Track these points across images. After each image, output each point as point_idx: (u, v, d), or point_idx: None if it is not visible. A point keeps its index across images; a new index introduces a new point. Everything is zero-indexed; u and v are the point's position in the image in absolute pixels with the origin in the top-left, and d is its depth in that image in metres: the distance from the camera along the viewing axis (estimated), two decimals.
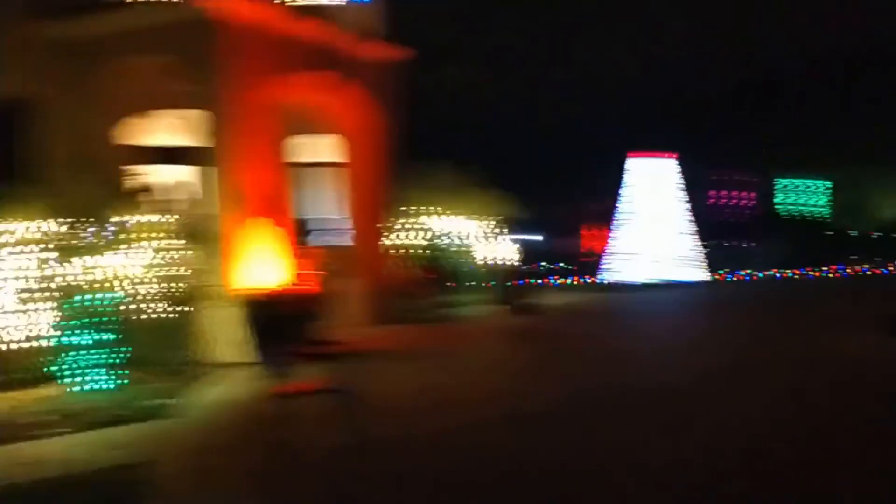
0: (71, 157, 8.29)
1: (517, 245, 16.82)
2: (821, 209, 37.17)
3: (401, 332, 11.87)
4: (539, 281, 22.49)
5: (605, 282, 21.67)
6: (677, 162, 24.16)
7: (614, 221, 24.03)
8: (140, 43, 10.05)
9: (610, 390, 7.49)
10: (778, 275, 23.19)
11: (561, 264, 26.96)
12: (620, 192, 23.96)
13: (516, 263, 16.54)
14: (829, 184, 37.43)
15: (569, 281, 23.07)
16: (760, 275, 23.16)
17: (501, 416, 6.73)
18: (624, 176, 24.07)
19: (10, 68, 9.84)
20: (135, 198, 10.96)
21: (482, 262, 15.76)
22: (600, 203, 32.61)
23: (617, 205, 24.20)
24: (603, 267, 23.15)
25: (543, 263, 25.99)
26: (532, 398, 7.30)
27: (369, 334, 11.61)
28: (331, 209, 15.63)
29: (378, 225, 12.87)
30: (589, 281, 22.59)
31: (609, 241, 25.13)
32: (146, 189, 11.62)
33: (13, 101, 9.91)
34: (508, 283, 13.24)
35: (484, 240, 15.78)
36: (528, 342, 11.04)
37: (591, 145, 31.59)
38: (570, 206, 35.68)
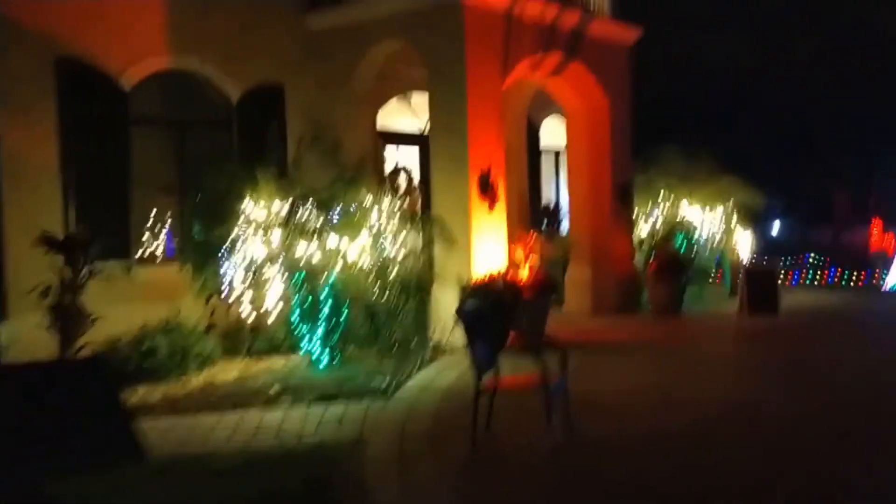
0: (321, 141, 8.76)
1: (758, 237, 15.61)
2: None
3: (626, 323, 11.49)
4: (789, 279, 20.44)
5: (861, 284, 19.10)
6: None
7: None
8: (392, 28, 10.53)
9: (846, 411, 6.64)
10: None
11: (813, 257, 24.34)
12: None
13: (757, 257, 15.34)
14: None
15: (829, 281, 20.63)
16: None
17: (729, 422, 6.23)
18: None
19: (269, 57, 10.69)
20: (392, 182, 11.56)
21: (717, 254, 14.83)
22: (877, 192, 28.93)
23: None
24: (875, 268, 20.29)
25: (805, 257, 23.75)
26: (754, 408, 6.68)
27: (594, 325, 11.38)
28: (559, 195, 15.56)
29: (606, 212, 12.49)
30: (851, 283, 20.04)
31: (883, 239, 22.36)
32: (402, 172, 12.17)
33: (269, 86, 10.74)
34: (755, 278, 12.23)
35: (720, 230, 14.82)
36: (760, 345, 10.14)
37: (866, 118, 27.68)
38: (838, 193, 31.70)
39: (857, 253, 24.03)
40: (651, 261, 12.79)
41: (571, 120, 12.87)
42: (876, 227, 30.20)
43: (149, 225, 9.74)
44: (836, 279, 21.21)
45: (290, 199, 8.04)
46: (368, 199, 8.45)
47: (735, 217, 15.11)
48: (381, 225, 8.44)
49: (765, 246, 30.81)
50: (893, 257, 20.50)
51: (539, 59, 11.16)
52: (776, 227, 33.47)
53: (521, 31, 10.59)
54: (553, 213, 14.72)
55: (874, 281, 19.16)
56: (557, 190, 15.76)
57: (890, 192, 23.27)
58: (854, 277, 20.63)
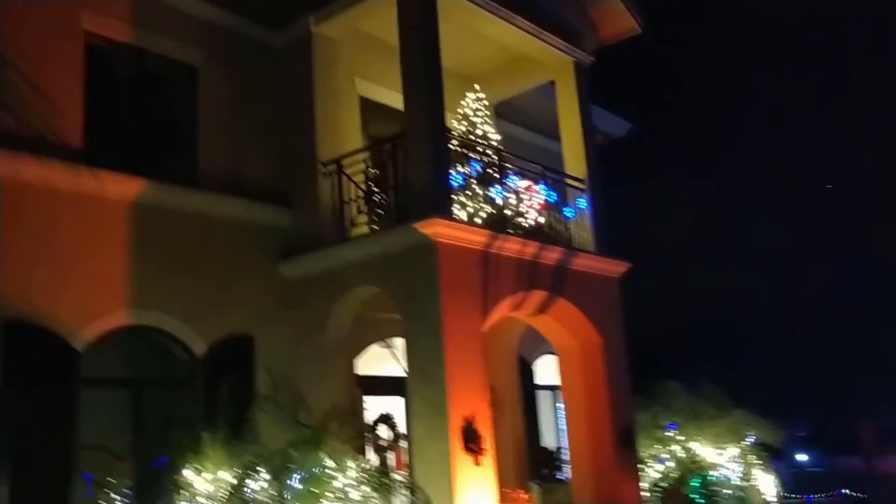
0: (282, 396, 8.01)
1: (778, 473, 14.30)
2: None
3: None
4: None
5: None
6: None
7: None
8: (366, 275, 10.17)
9: None
10: None
11: (846, 492, 22.56)
12: None
13: (778, 495, 13.94)
14: None
15: None
16: None
17: None
18: None
19: (239, 308, 10.22)
20: (373, 434, 10.65)
21: (739, 497, 13.44)
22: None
23: None
24: None
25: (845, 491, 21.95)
26: None
27: None
28: (557, 437, 14.49)
29: (609, 455, 11.43)
30: None
31: None
32: (385, 422, 11.26)
33: (238, 338, 10.19)
34: None
35: (735, 470, 13.55)
36: None
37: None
38: (864, 423, 30.41)
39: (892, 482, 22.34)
40: None
41: (563, 358, 12.19)
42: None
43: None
44: None
45: (240, 467, 7.10)
46: (333, 461, 7.49)
47: (753, 454, 13.91)
48: (347, 492, 7.42)
49: (793, 482, 29.02)
50: None
51: (522, 297, 10.71)
52: (803, 459, 31.72)
53: (500, 270, 10.21)
54: (552, 460, 13.56)
55: None
56: (558, 432, 14.70)
57: None
58: None
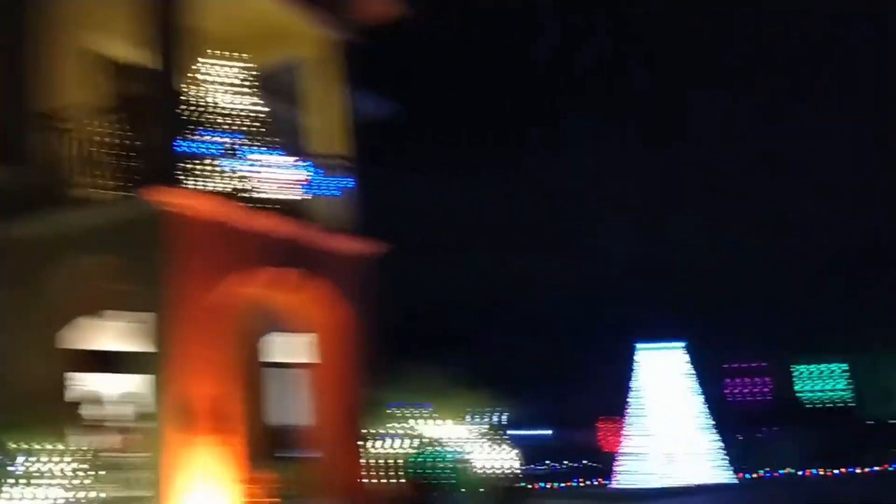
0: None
1: (515, 448, 15.21)
2: (842, 394, 34.94)
3: None
4: (543, 485, 20.33)
5: (615, 487, 19.33)
6: (688, 350, 22.66)
7: (627, 416, 21.86)
8: (87, 242, 9.35)
9: None
10: (801, 472, 20.55)
11: (567, 463, 24.80)
12: (631, 383, 22.04)
13: (514, 468, 14.82)
14: (845, 366, 35.34)
15: (574, 483, 20.77)
16: (781, 472, 20.61)
17: None
18: (634, 366, 22.33)
19: None
20: (77, 409, 9.86)
21: (475, 470, 14.10)
22: (612, 394, 30.66)
23: (628, 397, 22.29)
24: (617, 468, 20.86)
25: (547, 462, 23.83)
26: None
27: None
28: (301, 416, 14.29)
29: (353, 433, 11.45)
30: (599, 484, 20.29)
31: (622, 438, 23.13)
32: (92, 400, 10.53)
33: None
34: (504, 492, 11.51)
35: (477, 444, 14.21)
36: None
37: (598, 332, 30.39)
38: (582, 396, 33.47)
39: (584, 451, 24.98)
40: (399, 484, 11.74)
41: (311, 335, 12.02)
42: (609, 426, 32.31)
43: None
44: (580, 481, 21.69)
45: None
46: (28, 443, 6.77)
47: (491, 430, 14.67)
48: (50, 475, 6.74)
49: (529, 454, 31.37)
50: (619, 455, 21.58)
51: (270, 274, 10.40)
52: (533, 433, 34.31)
53: (244, 245, 9.81)
54: (292, 439, 13.35)
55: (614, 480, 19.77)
56: (298, 411, 14.50)
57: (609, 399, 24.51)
58: (597, 478, 21.19)
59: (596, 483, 20.68)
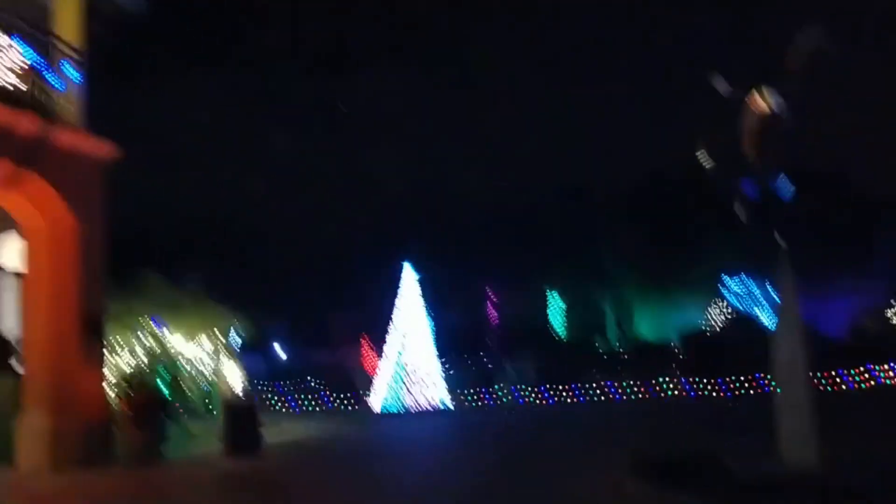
0: None
1: (247, 368, 15.19)
2: (559, 325, 38.51)
3: (88, 483, 9.58)
4: (293, 405, 20.38)
5: (356, 408, 19.95)
6: (439, 274, 23.34)
7: (385, 340, 21.92)
8: None
9: None
10: (517, 394, 22.25)
11: (318, 382, 25.06)
12: (391, 303, 21.95)
13: (245, 389, 14.79)
14: (559, 299, 38.79)
15: (327, 404, 21.11)
16: (504, 399, 22.25)
17: None
18: (398, 289, 22.27)
19: None
20: None
21: (204, 389, 13.92)
22: (363, 316, 31.21)
23: (387, 320, 22.26)
24: (362, 391, 21.31)
25: (298, 381, 23.92)
26: None
27: (47, 488, 9.30)
28: (10, 327, 13.11)
29: (72, 346, 10.72)
30: (350, 405, 20.78)
31: (376, 359, 23.70)
32: None
33: None
34: (235, 415, 11.38)
35: (207, 362, 14.01)
36: (238, 497, 9.16)
37: (355, 251, 30.66)
38: (346, 317, 33.60)
39: (355, 373, 25.52)
40: (125, 401, 11.25)
41: (30, 239, 11.00)
42: (366, 348, 33.17)
43: None
44: (333, 403, 21.92)
45: None
46: None
47: (225, 346, 14.50)
48: None
49: (268, 372, 31.35)
50: (374, 377, 22.17)
51: None
52: (280, 352, 34.24)
53: None
54: (9, 350, 12.26)
55: (366, 402, 20.27)
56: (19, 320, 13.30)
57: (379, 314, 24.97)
58: (351, 400, 21.56)
59: (347, 404, 21.05)
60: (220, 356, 14.38)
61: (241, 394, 12.02)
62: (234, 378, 14.63)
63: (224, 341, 14.26)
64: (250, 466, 10.60)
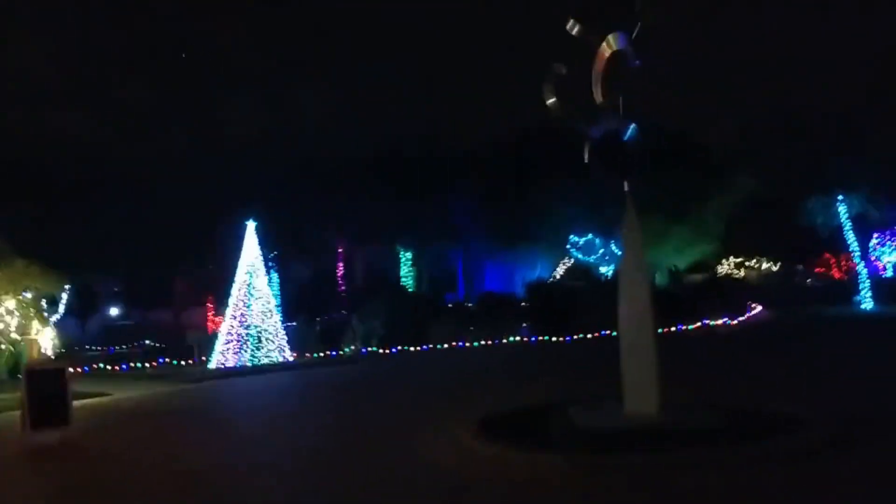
0: None
1: (65, 331, 13.77)
2: (406, 279, 38.11)
3: None
4: (125, 366, 18.89)
5: (194, 368, 18.64)
6: (274, 230, 22.23)
7: (228, 298, 20.63)
8: None
9: None
10: (365, 350, 21.71)
11: (151, 343, 23.49)
12: (235, 262, 20.70)
13: (56, 351, 13.38)
14: (409, 254, 38.47)
15: (160, 362, 19.59)
16: (348, 351, 21.70)
17: None
18: (230, 246, 21.05)
19: None
20: None
21: (9, 355, 12.43)
22: (207, 276, 29.69)
23: (229, 279, 20.97)
24: (199, 350, 19.96)
25: (134, 344, 22.20)
26: None
27: None
28: None
29: None
30: (189, 364, 19.38)
31: (219, 317, 22.36)
32: None
33: None
34: (37, 383, 9.94)
35: (14, 323, 12.52)
36: (41, 473, 7.99)
37: (201, 207, 28.85)
38: (177, 277, 31.65)
39: (195, 333, 23.95)
40: None
41: None
42: (210, 307, 31.63)
43: None
44: (170, 365, 20.53)
45: None
46: None
47: (34, 307, 13.00)
48: None
49: (103, 334, 29.28)
50: (213, 336, 21.00)
51: None
52: (115, 312, 32.04)
53: None
54: None
55: (203, 362, 19.11)
56: None
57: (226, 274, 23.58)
58: (188, 361, 20.25)
59: (186, 363, 19.71)
60: (31, 319, 12.87)
61: (50, 359, 10.68)
62: (45, 343, 13.22)
63: (33, 302, 12.74)
64: (55, 439, 9.32)
